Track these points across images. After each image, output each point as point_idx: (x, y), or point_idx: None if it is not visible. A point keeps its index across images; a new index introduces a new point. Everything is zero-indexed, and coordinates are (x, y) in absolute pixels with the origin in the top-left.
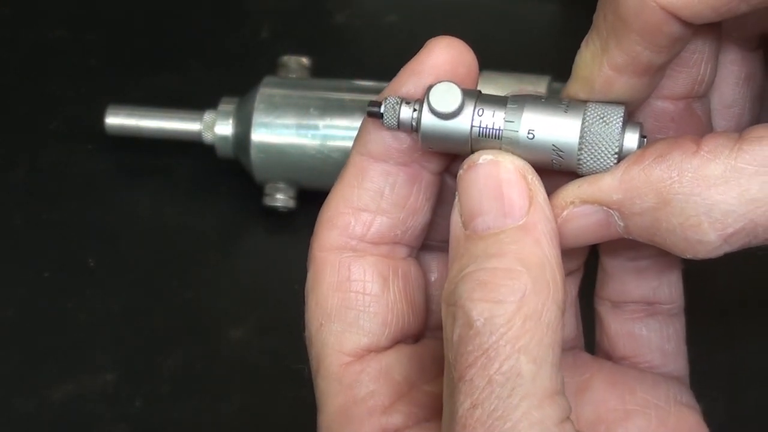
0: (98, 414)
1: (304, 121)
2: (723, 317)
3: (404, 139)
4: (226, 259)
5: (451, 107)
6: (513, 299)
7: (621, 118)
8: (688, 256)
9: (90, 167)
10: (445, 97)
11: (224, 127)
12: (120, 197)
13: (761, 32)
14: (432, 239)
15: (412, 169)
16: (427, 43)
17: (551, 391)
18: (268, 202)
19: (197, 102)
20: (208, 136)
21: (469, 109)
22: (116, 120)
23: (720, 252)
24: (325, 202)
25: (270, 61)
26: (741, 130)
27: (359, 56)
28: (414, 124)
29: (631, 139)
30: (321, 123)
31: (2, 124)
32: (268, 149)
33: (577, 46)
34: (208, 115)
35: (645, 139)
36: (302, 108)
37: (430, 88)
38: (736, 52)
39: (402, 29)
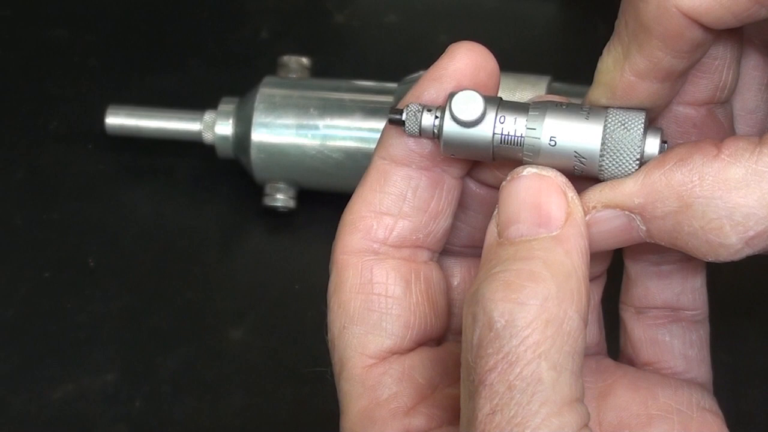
0: (98, 414)
1: (304, 121)
2: (724, 317)
3: (426, 144)
4: (226, 259)
5: (473, 115)
6: (535, 302)
7: (642, 124)
8: (710, 259)
9: (90, 167)
10: (467, 105)
11: (224, 127)
12: (120, 197)
13: None
14: (453, 244)
15: (434, 174)
16: (448, 48)
17: (571, 398)
18: (268, 202)
19: (197, 102)
20: (208, 136)
21: (490, 117)
22: (116, 120)
23: (742, 255)
24: (348, 205)
25: (270, 61)
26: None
27: (359, 56)
28: (436, 131)
29: (653, 145)
30: (321, 123)
31: (2, 124)
32: (268, 149)
33: (578, 46)
34: (208, 115)
35: (666, 144)
36: (302, 108)
37: (451, 96)
38: (758, 57)
39: (402, 29)
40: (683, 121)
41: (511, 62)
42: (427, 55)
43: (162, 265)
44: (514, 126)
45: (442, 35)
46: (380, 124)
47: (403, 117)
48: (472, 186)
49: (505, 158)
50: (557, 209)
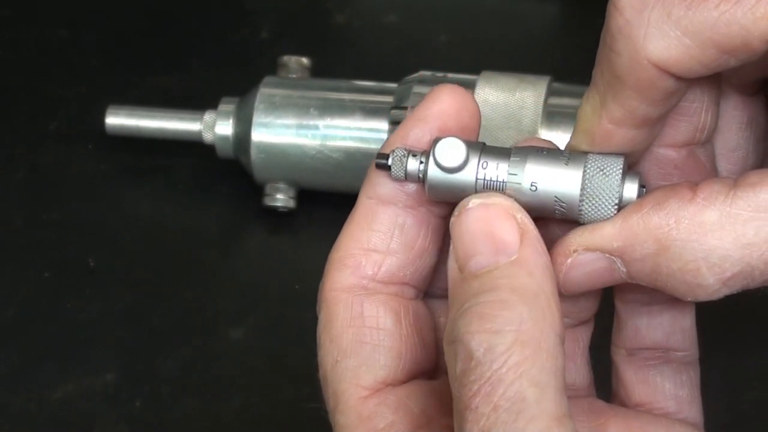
0: (98, 414)
1: (304, 121)
2: (721, 319)
3: (411, 186)
4: (226, 259)
5: (456, 162)
6: (510, 328)
7: (620, 169)
8: (689, 299)
9: (90, 167)
10: (450, 151)
11: (224, 127)
12: (120, 197)
13: (759, 78)
14: (438, 287)
15: (420, 212)
16: (431, 90)
17: (557, 414)
18: (268, 202)
19: (197, 102)
20: (208, 136)
21: (473, 162)
22: (116, 120)
23: (720, 295)
24: (336, 243)
25: (270, 61)
26: (746, 172)
27: (359, 56)
28: (421, 176)
29: (631, 189)
30: (321, 123)
31: (2, 124)
32: (268, 149)
33: (578, 46)
34: (208, 115)
35: (644, 189)
36: (302, 108)
37: (435, 142)
38: (737, 97)
39: (402, 29)
40: (665, 163)
41: (511, 62)
42: (427, 55)
43: (162, 265)
44: (496, 171)
45: (442, 35)
46: (380, 124)
47: (389, 162)
48: None
49: None
50: (510, 234)
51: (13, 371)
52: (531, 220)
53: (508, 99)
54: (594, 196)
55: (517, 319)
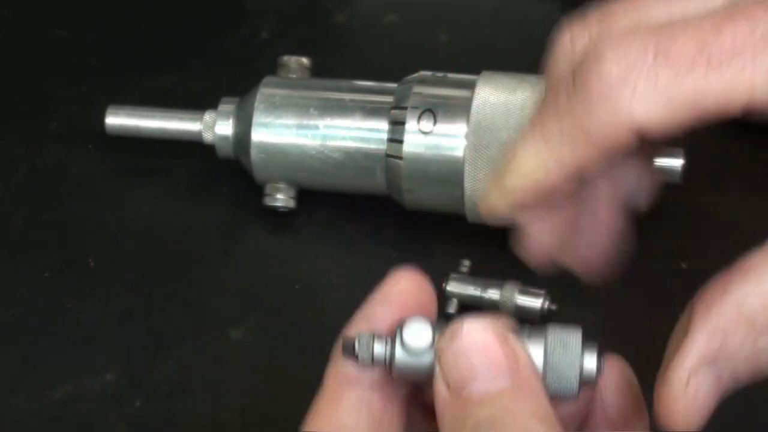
0: (98, 414)
1: (304, 121)
2: None
3: (377, 370)
4: (226, 259)
5: (423, 343)
6: None
7: (579, 343)
8: None
9: (90, 167)
10: (417, 333)
11: (224, 127)
12: (120, 197)
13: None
14: None
15: (385, 391)
16: (391, 273)
17: None
18: (268, 202)
19: (197, 102)
20: (208, 136)
21: None
22: (116, 120)
23: None
24: (307, 419)
25: (270, 61)
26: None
27: (359, 56)
28: (387, 359)
29: (590, 361)
30: (321, 123)
31: (2, 124)
32: (268, 149)
33: None
34: (208, 115)
35: (603, 359)
36: (302, 108)
37: (402, 324)
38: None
39: (402, 29)
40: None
41: (511, 62)
42: (427, 55)
43: (162, 265)
44: None
45: (442, 35)
46: (380, 124)
47: (356, 349)
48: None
49: None
50: (506, 357)
51: (13, 371)
52: (520, 339)
53: (508, 99)
54: (557, 371)
55: None
